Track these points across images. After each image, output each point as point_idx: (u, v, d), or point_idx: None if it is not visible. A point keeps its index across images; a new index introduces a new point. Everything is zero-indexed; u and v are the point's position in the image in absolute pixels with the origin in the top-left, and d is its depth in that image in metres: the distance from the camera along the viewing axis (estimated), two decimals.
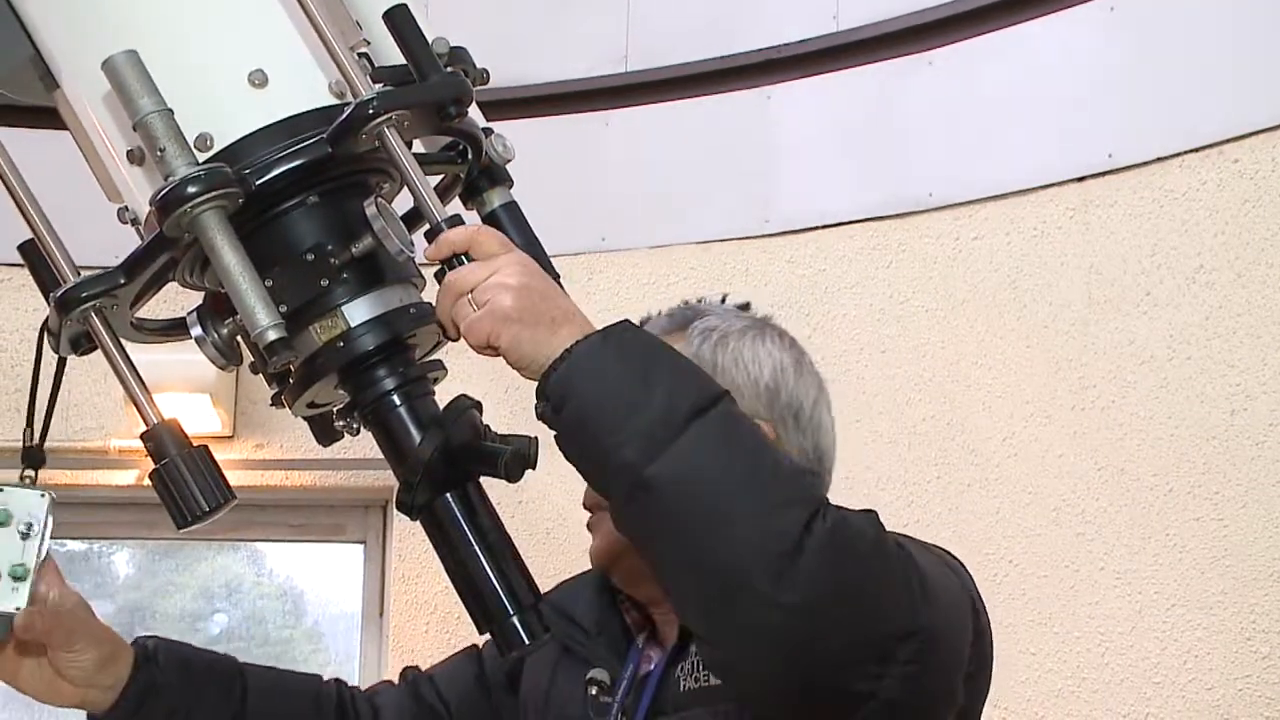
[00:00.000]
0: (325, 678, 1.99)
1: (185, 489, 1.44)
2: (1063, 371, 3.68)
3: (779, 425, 1.72)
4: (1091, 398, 3.63)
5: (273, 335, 1.35)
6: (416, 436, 1.49)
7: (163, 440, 1.45)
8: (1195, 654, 3.39)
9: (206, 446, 1.49)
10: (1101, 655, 3.51)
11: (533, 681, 1.88)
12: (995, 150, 3.84)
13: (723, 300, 1.90)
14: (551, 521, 3.89)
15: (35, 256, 1.52)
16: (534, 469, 1.47)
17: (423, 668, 2.06)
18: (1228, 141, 3.45)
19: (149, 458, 1.47)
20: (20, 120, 1.98)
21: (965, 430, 3.81)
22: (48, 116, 1.62)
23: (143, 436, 1.47)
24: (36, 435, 2.10)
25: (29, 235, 1.53)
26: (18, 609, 2.50)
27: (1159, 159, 3.57)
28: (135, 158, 1.47)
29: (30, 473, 2.51)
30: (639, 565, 1.56)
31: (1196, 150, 3.50)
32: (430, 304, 1.50)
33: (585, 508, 1.78)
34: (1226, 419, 3.40)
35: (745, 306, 2.67)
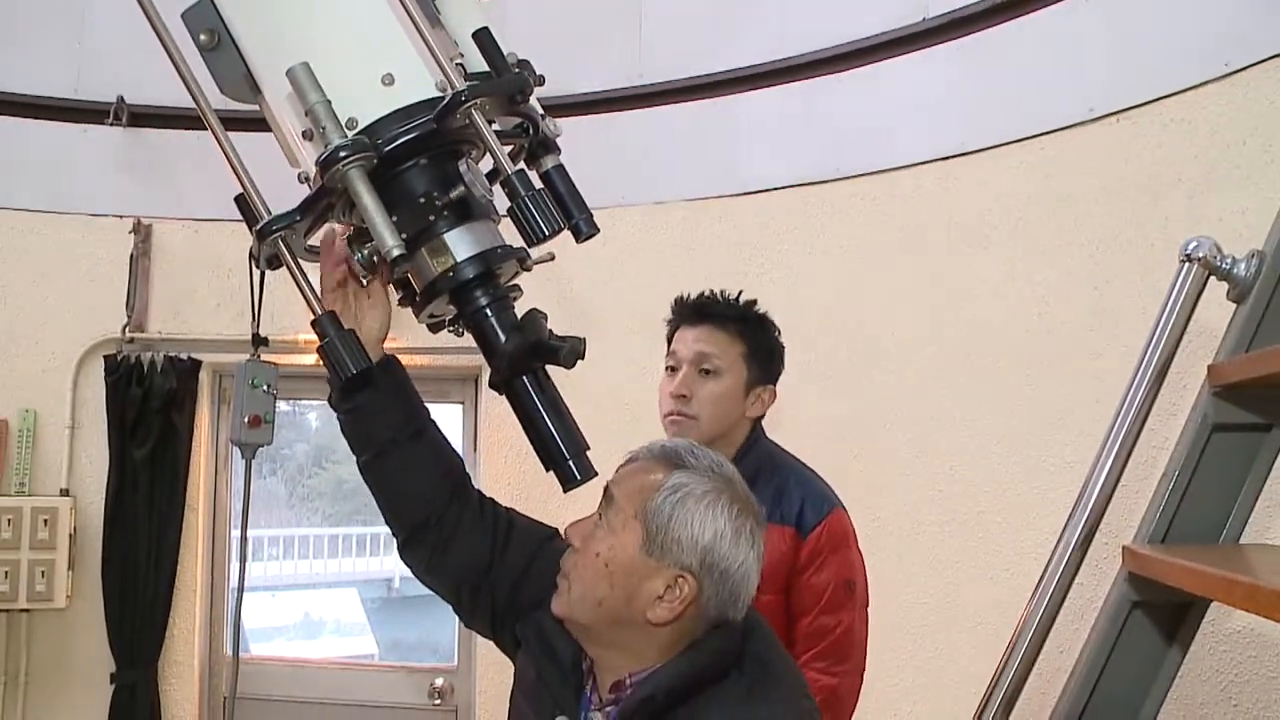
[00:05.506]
0: None
1: (340, 359, 1.44)
2: (935, 287, 3.67)
3: (704, 577, 1.46)
4: (950, 302, 3.61)
5: (396, 252, 1.35)
6: (503, 337, 1.49)
7: (325, 326, 1.46)
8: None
9: (354, 330, 1.49)
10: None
11: (527, 658, 1.62)
12: (884, 138, 3.79)
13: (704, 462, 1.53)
14: (599, 397, 3.87)
15: (244, 206, 1.51)
16: (583, 359, 1.47)
17: (501, 489, 1.94)
18: (1031, 138, 3.40)
19: (317, 338, 1.47)
20: (243, 128, 1.94)
21: (871, 325, 3.80)
22: (256, 124, 1.59)
23: (312, 324, 1.47)
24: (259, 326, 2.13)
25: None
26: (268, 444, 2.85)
27: (993, 146, 3.51)
28: (307, 135, 1.47)
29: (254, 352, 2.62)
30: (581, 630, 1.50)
31: (1018, 141, 3.45)
32: (510, 245, 1.50)
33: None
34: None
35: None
